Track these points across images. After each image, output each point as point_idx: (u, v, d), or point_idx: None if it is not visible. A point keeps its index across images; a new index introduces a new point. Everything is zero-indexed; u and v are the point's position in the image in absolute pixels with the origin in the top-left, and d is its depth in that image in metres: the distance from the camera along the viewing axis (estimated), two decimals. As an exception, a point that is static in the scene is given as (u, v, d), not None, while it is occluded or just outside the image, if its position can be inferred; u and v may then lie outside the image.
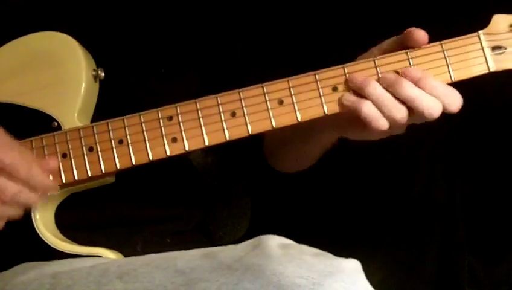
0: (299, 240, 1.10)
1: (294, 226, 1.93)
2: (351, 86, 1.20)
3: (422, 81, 1.17)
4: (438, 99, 1.18)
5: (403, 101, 1.18)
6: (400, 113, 1.18)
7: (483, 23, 1.22)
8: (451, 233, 1.94)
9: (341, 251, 1.08)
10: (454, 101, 1.19)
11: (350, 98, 1.19)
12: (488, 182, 1.93)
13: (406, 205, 1.98)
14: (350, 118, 1.21)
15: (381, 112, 1.18)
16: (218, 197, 1.54)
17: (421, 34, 1.19)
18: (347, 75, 1.20)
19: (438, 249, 1.95)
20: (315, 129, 1.29)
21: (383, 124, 1.18)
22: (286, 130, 1.32)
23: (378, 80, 1.19)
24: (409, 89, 1.17)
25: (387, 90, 1.18)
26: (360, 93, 1.19)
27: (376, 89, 1.18)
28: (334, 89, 1.21)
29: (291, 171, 1.50)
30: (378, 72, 1.20)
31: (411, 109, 1.18)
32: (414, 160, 1.95)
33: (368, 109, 1.17)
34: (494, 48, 1.21)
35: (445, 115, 1.87)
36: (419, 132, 1.54)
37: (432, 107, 1.18)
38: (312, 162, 1.45)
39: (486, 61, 1.20)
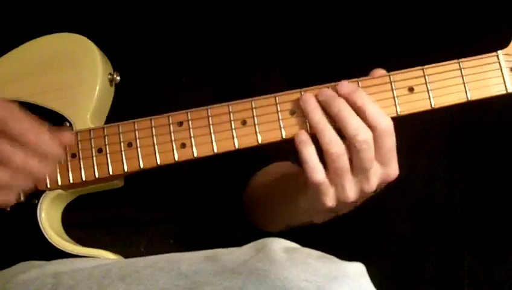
0: (299, 239, 1.10)
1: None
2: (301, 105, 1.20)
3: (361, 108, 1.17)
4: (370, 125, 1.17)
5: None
6: (336, 147, 1.16)
7: (503, 43, 1.20)
8: (451, 233, 1.95)
9: (341, 250, 1.08)
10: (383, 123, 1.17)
11: (300, 137, 1.18)
12: (488, 182, 1.94)
13: (406, 205, 1.98)
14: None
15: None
16: (219, 198, 1.54)
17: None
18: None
19: (438, 249, 1.96)
20: (290, 200, 1.28)
21: (318, 173, 1.16)
22: (264, 194, 1.37)
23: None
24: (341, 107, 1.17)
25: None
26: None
27: (315, 116, 1.18)
28: None
29: (259, 226, 1.50)
30: (393, 88, 1.20)
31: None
32: (414, 160, 1.95)
33: (307, 153, 1.17)
34: (513, 69, 1.20)
35: (445, 115, 1.89)
36: (419, 132, 1.55)
37: (359, 131, 1.16)
38: (281, 229, 1.43)
39: (504, 82, 1.19)
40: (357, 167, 1.17)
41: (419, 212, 1.97)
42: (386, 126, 1.17)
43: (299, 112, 1.20)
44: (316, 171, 1.16)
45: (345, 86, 1.19)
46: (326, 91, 1.19)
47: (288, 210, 1.31)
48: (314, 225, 1.30)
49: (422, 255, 1.97)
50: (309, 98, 1.19)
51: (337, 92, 1.18)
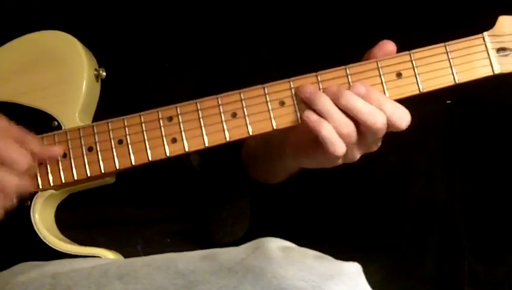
0: (299, 239, 1.10)
1: (294, 226, 1.94)
2: (300, 95, 1.19)
3: (368, 95, 1.17)
4: (384, 113, 1.17)
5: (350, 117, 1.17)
6: (347, 127, 1.16)
7: (488, 24, 1.20)
8: (451, 233, 1.95)
9: (341, 251, 1.08)
10: (402, 117, 1.17)
11: (311, 117, 1.17)
12: (488, 183, 1.94)
13: (406, 205, 1.98)
14: (307, 145, 1.22)
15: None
16: (218, 197, 1.53)
17: (389, 46, 1.20)
18: (349, 76, 1.20)
19: (438, 249, 1.96)
20: (278, 156, 1.32)
21: (340, 148, 1.17)
22: (257, 150, 1.39)
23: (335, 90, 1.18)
24: (352, 99, 1.16)
25: (335, 103, 1.17)
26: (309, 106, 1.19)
27: (325, 104, 1.17)
28: None
29: (262, 182, 1.52)
30: (381, 73, 1.20)
31: (358, 126, 1.17)
32: (414, 160, 1.95)
33: (326, 131, 1.16)
34: (499, 50, 1.19)
35: (445, 115, 1.89)
36: (419, 132, 1.54)
37: (376, 120, 1.16)
38: (280, 180, 1.46)
39: (491, 64, 1.19)
40: (369, 142, 1.20)
41: (419, 212, 1.97)
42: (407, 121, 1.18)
43: (288, 101, 1.20)
44: (338, 146, 1.17)
45: (360, 86, 1.18)
46: (332, 87, 1.18)
47: (278, 159, 1.35)
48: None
49: (422, 255, 1.97)
50: (307, 86, 1.19)
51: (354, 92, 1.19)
